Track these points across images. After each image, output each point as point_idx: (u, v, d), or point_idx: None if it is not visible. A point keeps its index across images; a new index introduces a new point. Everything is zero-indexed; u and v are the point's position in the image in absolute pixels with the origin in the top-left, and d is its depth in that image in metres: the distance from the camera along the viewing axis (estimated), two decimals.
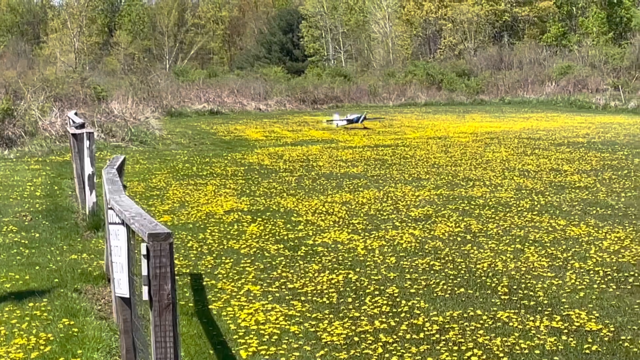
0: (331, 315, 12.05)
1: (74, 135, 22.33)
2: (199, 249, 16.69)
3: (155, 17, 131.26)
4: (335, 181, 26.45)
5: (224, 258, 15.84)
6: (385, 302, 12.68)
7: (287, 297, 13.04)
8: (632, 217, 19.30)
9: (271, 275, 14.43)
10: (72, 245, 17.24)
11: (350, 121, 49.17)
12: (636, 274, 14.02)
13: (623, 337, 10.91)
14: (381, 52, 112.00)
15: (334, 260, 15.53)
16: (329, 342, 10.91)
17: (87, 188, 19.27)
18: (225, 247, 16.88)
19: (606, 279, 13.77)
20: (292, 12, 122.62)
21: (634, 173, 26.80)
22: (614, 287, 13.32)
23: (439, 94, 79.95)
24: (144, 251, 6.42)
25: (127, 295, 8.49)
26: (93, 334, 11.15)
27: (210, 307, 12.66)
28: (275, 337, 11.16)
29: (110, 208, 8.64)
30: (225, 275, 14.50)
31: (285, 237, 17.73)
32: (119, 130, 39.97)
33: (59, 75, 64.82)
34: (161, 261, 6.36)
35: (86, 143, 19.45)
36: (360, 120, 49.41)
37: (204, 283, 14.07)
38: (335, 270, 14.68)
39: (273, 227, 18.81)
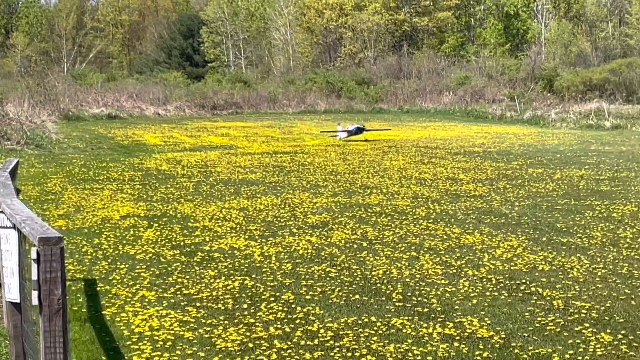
0: (226, 322, 12.02)
1: None
2: (94, 254, 16.50)
3: (54, 19, 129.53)
4: (233, 187, 26.40)
5: (119, 263, 15.69)
6: (280, 308, 12.68)
7: (182, 303, 12.96)
8: (525, 225, 19.63)
9: (166, 281, 14.33)
10: None
11: (349, 132, 45.88)
12: (528, 282, 14.26)
13: (514, 344, 11.08)
14: (282, 59, 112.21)
15: (230, 266, 15.49)
16: (223, 349, 10.88)
17: None
18: (121, 252, 16.72)
19: (498, 287, 13.98)
20: (193, 17, 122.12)
21: (528, 183, 27.26)
22: (506, 294, 13.53)
23: (339, 102, 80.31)
24: (34, 255, 6.33)
25: (18, 300, 8.36)
26: None
27: (103, 312, 12.51)
28: (170, 343, 11.08)
29: (1, 211, 8.49)
30: (119, 281, 14.36)
31: (182, 243, 17.63)
32: (14, 133, 39.35)
33: None
34: (52, 266, 6.26)
35: None
36: (356, 131, 45.78)
37: (98, 288, 13.91)
38: (231, 277, 14.64)
39: (169, 233, 18.69)
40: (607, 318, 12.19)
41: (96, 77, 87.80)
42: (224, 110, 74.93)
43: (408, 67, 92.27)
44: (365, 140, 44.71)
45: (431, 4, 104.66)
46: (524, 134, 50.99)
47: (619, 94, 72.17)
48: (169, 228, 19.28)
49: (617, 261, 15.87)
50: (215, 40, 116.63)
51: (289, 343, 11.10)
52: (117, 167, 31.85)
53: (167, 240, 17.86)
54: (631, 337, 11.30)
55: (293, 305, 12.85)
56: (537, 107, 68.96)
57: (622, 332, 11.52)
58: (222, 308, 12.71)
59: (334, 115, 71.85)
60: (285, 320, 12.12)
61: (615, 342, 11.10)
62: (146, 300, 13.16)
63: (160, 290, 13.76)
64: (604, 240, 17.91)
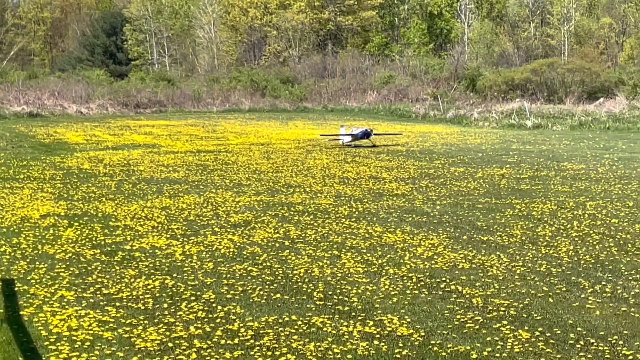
0: (146, 321, 11.94)
1: None
2: (12, 254, 16.28)
3: None
4: (155, 186, 26.24)
5: (37, 263, 15.50)
6: (201, 307, 12.64)
7: (101, 303, 12.85)
8: (447, 224, 19.78)
9: (86, 281, 14.20)
10: None
11: (354, 137, 41.63)
12: (448, 280, 14.37)
13: (433, 342, 11.16)
14: (206, 58, 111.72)
15: (151, 265, 15.39)
16: (142, 348, 10.81)
17: None
18: (40, 252, 16.52)
19: (419, 285, 14.07)
20: (116, 15, 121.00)
21: (450, 181, 27.48)
22: (426, 292, 13.63)
23: (263, 101, 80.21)
24: None
25: None
26: None
27: (21, 313, 12.35)
28: (88, 343, 10.98)
29: None
30: (38, 281, 14.19)
31: (103, 242, 17.47)
32: None
33: None
34: None
35: None
36: (362, 135, 41.43)
37: (16, 289, 13.73)
38: (152, 276, 14.56)
39: (90, 232, 18.51)
40: (525, 315, 12.34)
41: (17, 74, 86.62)
42: (147, 108, 74.44)
43: (332, 66, 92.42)
44: (373, 146, 40.97)
45: (355, 3, 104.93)
46: (447, 133, 51.40)
47: (541, 94, 73.02)
48: (89, 227, 19.10)
49: (535, 259, 16.06)
50: (138, 38, 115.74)
51: (209, 342, 11.06)
52: (38, 166, 31.47)
53: (87, 240, 17.69)
54: (548, 334, 11.45)
55: (214, 305, 12.81)
56: (460, 107, 69.53)
57: (540, 329, 11.67)
58: (142, 308, 12.62)
59: (258, 114, 71.75)
60: (206, 319, 12.08)
61: (533, 339, 11.24)
62: (65, 300, 13.03)
63: (79, 290, 13.63)
64: (524, 238, 18.12)
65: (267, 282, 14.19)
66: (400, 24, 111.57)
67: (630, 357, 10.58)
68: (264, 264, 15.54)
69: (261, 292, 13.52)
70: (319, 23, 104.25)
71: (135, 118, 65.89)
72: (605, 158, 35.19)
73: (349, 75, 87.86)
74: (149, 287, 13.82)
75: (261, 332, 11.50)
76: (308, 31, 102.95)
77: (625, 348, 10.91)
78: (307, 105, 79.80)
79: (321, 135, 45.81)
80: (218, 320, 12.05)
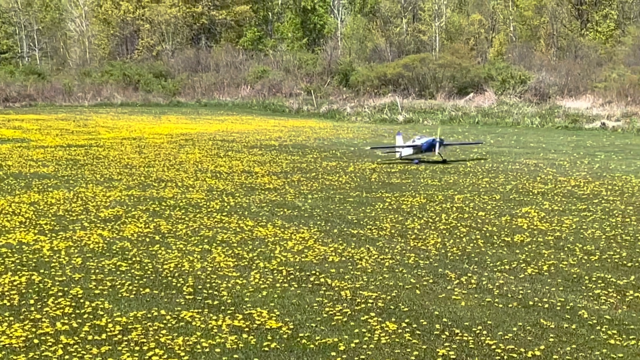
0: (11, 318, 11.76)
1: None
2: None
3: None
4: (24, 181, 25.79)
5: None
6: (68, 303, 12.50)
7: None
8: (317, 218, 19.91)
9: None
10: None
11: (416, 148, 32.35)
12: (318, 273, 14.49)
13: (301, 334, 11.25)
14: (77, 51, 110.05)
15: (18, 261, 15.15)
16: (7, 345, 10.65)
17: None
18: None
19: (289, 278, 14.15)
20: None
21: (322, 175, 27.65)
22: (296, 285, 13.72)
23: (136, 95, 79.41)
24: None
25: None
26: None
27: None
28: None
29: None
30: None
31: None
32: None
33: None
34: None
35: None
36: (428, 147, 32.10)
37: None
38: (19, 272, 14.33)
39: None
40: (392, 307, 12.52)
41: None
42: (16, 102, 73.03)
43: (206, 61, 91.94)
44: (443, 162, 32.05)
45: None
46: (320, 127, 51.66)
47: (412, 89, 73.80)
48: None
49: (404, 252, 16.30)
50: (8, 30, 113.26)
51: (76, 338, 10.96)
52: None
53: None
54: (415, 326, 11.64)
55: (82, 300, 12.69)
56: (333, 101, 69.90)
57: (407, 320, 11.86)
58: (8, 304, 12.43)
59: (130, 109, 70.96)
60: (73, 315, 11.96)
61: (400, 331, 11.42)
62: None
63: None
64: (393, 231, 18.36)
65: (137, 277, 14.11)
66: (274, 18, 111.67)
67: (494, 347, 10.83)
68: (134, 259, 15.43)
69: (130, 287, 13.44)
70: (192, 17, 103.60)
71: (4, 112, 64.56)
72: (474, 152, 35.83)
73: (222, 70, 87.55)
74: (15, 283, 13.61)
75: (129, 327, 11.44)
76: (181, 25, 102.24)
77: (488, 338, 11.17)
78: (180, 100, 79.24)
79: (371, 148, 35.32)
80: (85, 315, 11.94)
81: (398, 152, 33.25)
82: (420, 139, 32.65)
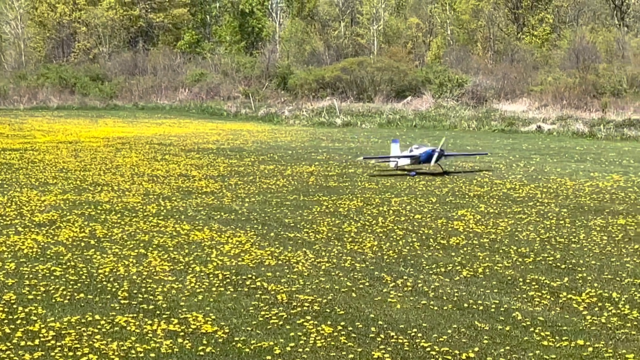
0: None
1: None
2: None
3: None
4: None
5: None
6: (1, 309, 12.37)
7: None
8: (255, 221, 19.89)
9: None
10: None
11: (415, 159, 30.03)
12: (254, 277, 14.47)
13: (237, 338, 11.23)
14: (13, 54, 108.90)
15: None
16: None
17: None
18: None
19: (225, 282, 14.13)
20: None
21: (259, 179, 27.61)
22: (232, 289, 13.69)
23: (72, 98, 78.68)
24: None
25: None
26: None
27: None
28: None
29: None
30: None
31: None
32: None
33: None
34: None
35: None
36: (427, 158, 29.53)
37: None
38: None
39: None
40: (328, 310, 12.54)
41: None
42: None
43: (144, 64, 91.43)
44: (444, 174, 29.69)
45: (166, 0, 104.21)
46: (258, 131, 51.58)
47: (351, 92, 74.04)
48: None
49: (341, 255, 16.34)
50: None
51: (8, 344, 10.85)
52: None
53: None
54: (350, 328, 11.67)
55: (14, 306, 12.57)
56: (272, 105, 69.85)
57: (342, 323, 11.89)
58: None
59: (67, 112, 70.30)
60: (6, 321, 11.83)
61: (335, 334, 11.44)
62: None
63: None
64: (330, 234, 18.39)
65: (71, 282, 14.00)
66: (212, 21, 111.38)
67: (428, 349, 10.89)
68: (68, 264, 15.31)
69: (64, 292, 13.33)
70: (129, 20, 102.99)
71: None
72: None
73: (160, 73, 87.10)
74: None
75: (63, 332, 11.34)
76: (118, 28, 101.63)
77: (423, 340, 11.23)
78: (117, 103, 78.62)
79: (363, 158, 33.24)
80: (18, 321, 11.82)
81: (393, 162, 30.69)
82: (418, 148, 30.28)
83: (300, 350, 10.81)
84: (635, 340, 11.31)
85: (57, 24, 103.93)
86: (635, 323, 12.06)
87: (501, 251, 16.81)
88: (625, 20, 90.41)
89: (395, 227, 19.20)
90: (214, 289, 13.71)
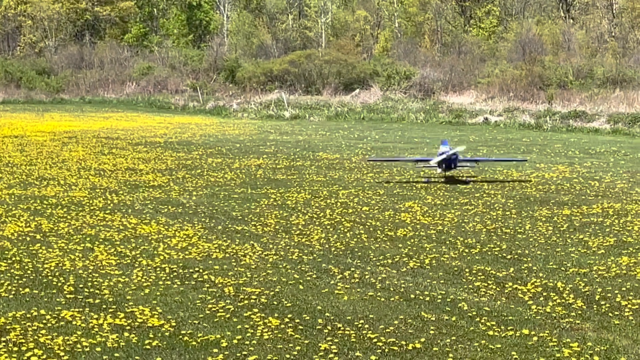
0: None
1: None
2: None
3: None
4: None
5: None
6: None
7: None
8: (202, 214, 19.85)
9: None
10: None
11: (447, 164, 26.11)
12: (201, 270, 14.45)
13: (184, 332, 11.21)
14: None
15: None
16: None
17: None
18: None
19: (172, 276, 14.09)
20: None
21: (207, 172, 27.54)
22: (179, 283, 13.67)
23: (18, 92, 77.95)
24: None
25: None
26: None
27: None
28: None
29: None
30: None
31: None
32: None
33: None
34: None
35: None
36: (449, 160, 25.89)
37: None
38: None
39: None
40: (275, 303, 12.56)
41: None
42: None
43: (90, 57, 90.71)
44: (467, 182, 25.95)
45: None
46: (206, 124, 51.42)
47: (299, 85, 74.02)
48: None
49: (288, 247, 16.36)
50: None
51: None
52: None
53: None
54: (297, 321, 11.70)
55: None
56: (220, 98, 69.62)
57: (289, 315, 11.91)
58: None
59: (12, 106, 69.63)
60: None
61: (282, 326, 11.46)
62: None
63: None
64: (277, 227, 18.41)
65: (16, 277, 13.90)
66: (159, 14, 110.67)
67: (375, 340, 10.93)
68: (14, 259, 15.20)
69: (9, 287, 13.23)
70: (75, 13, 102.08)
71: None
72: (359, 148, 36.07)
73: (107, 67, 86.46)
74: None
75: (8, 327, 11.26)
76: (64, 21, 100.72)
77: (370, 331, 11.28)
78: (64, 97, 78.03)
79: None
80: None
81: (434, 167, 26.62)
82: (444, 150, 26.39)
83: (247, 343, 10.82)
84: (579, 329, 11.43)
85: (1, 17, 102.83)
86: (579, 312, 12.20)
87: (448, 242, 16.92)
88: (570, 13, 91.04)
89: (343, 220, 19.26)
90: (160, 282, 13.68)
